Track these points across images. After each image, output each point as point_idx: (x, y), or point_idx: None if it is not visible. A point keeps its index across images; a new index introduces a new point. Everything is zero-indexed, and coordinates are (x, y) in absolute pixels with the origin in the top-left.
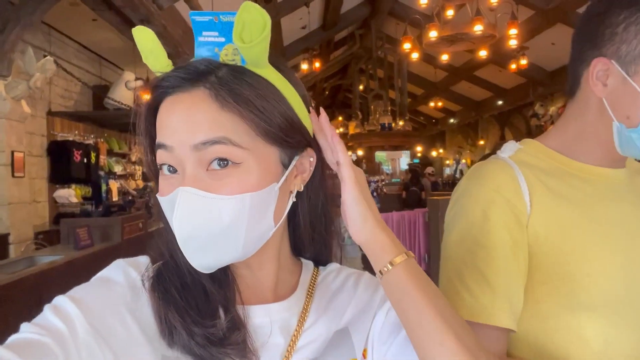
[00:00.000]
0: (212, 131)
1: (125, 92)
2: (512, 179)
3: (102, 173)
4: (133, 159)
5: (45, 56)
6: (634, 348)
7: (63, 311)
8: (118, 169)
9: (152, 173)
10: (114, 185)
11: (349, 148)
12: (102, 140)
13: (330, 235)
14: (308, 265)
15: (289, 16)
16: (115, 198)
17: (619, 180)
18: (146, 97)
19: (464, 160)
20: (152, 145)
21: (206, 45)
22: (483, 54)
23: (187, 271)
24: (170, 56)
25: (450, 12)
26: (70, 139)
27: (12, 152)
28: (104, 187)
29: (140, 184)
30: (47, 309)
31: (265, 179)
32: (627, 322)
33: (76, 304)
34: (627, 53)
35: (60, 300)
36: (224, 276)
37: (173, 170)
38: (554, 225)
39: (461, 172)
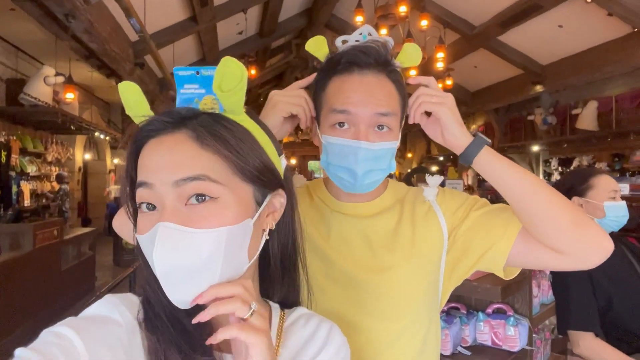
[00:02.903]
0: (191, 168)
1: (44, 88)
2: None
3: (13, 174)
4: (49, 158)
5: None
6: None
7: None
8: (32, 169)
9: (131, 213)
10: (27, 187)
11: None
12: (14, 138)
13: (299, 276)
14: (275, 308)
15: (226, 21)
16: (27, 201)
17: (349, 211)
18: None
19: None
20: (132, 187)
21: (188, 97)
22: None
23: (168, 311)
24: (97, 53)
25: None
26: None
27: None
28: (14, 189)
29: (56, 186)
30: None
31: (240, 214)
32: (334, 297)
33: (85, 343)
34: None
35: (65, 331)
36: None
37: (152, 207)
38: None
39: None
